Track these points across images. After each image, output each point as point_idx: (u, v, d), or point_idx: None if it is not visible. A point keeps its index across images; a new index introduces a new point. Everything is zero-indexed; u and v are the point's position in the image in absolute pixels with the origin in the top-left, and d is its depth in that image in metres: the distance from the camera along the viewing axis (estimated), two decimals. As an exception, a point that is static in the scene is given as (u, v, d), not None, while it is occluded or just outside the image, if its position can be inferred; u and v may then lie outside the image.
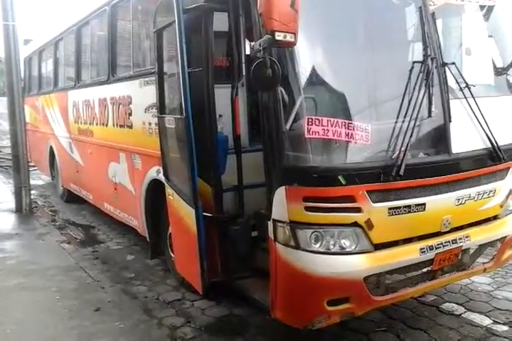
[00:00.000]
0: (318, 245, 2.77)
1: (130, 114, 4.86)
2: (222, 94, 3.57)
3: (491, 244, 3.45)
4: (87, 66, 6.29)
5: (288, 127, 2.76)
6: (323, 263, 2.76)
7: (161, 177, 4.23)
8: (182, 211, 3.65)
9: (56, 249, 5.60)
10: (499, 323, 3.49)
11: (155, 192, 4.60)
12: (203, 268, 3.41)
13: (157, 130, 4.22)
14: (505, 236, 3.46)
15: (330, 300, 2.80)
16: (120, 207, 5.69)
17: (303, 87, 2.83)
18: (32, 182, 7.93)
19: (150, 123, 4.40)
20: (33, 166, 10.10)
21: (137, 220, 5.19)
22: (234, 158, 3.65)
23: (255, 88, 2.83)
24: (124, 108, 4.98)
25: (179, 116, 3.37)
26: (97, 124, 5.93)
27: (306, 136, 2.71)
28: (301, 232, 2.76)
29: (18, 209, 7.35)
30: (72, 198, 8.16)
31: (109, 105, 5.43)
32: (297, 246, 2.77)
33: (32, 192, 7.83)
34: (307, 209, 2.75)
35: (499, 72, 3.84)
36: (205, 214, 3.47)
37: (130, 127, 4.89)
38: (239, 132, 3.57)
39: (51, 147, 8.58)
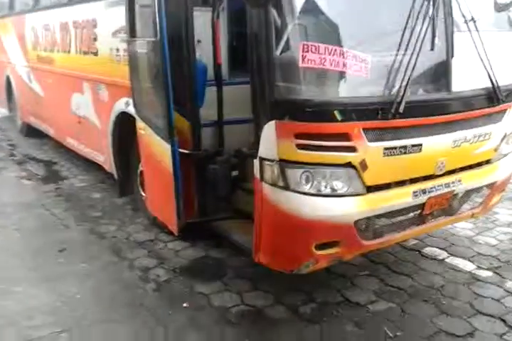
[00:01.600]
0: (308, 186, 2.55)
1: (95, 40, 4.38)
2: (200, 19, 3.18)
3: (480, 189, 3.32)
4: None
5: (279, 53, 2.43)
6: (313, 205, 2.56)
7: (131, 109, 3.87)
8: (155, 147, 3.34)
9: (15, 184, 5.25)
10: (483, 268, 3.43)
11: (123, 126, 4.25)
12: (178, 208, 3.17)
13: (126, 57, 3.81)
14: (495, 182, 3.33)
15: (318, 244, 2.62)
16: (84, 142, 5.31)
17: (299, 9, 2.47)
18: (-13, 115, 7.38)
19: (118, 50, 3.96)
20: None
21: (103, 156, 4.86)
22: (213, 90, 3.32)
23: (245, 2, 2.45)
24: (88, 32, 4.49)
25: (153, 39, 2.97)
26: (58, 51, 5.39)
27: (301, 65, 2.41)
28: (290, 172, 2.52)
29: (-27, 143, 6.84)
30: (32, 132, 7.65)
31: (71, 30, 4.89)
32: (286, 187, 2.54)
33: (-13, 125, 7.30)
34: (299, 146, 2.50)
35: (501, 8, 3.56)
36: (182, 150, 3.18)
37: (95, 54, 4.42)
38: (220, 61, 3.21)
39: (8, 77, 7.92)
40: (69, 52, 5.04)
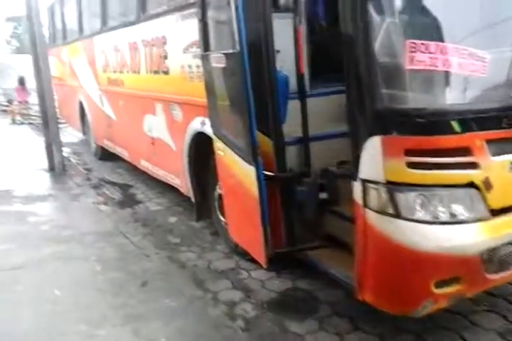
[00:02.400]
0: (423, 212, 2.13)
1: (165, 57, 4.18)
2: (279, 26, 2.86)
3: None
4: (114, 5, 5.55)
5: (381, 55, 2.06)
6: (430, 235, 2.13)
7: (207, 129, 3.62)
8: (236, 169, 3.04)
9: (93, 211, 5.15)
10: None
11: (199, 147, 4.01)
12: (266, 238, 2.83)
13: (200, 73, 3.57)
14: None
15: (438, 280, 2.18)
16: (159, 164, 5.13)
17: (402, 2, 2.08)
18: (64, 139, 7.48)
19: (190, 66, 3.73)
20: (64, 122, 9.64)
21: (179, 179, 4.64)
22: (295, 104, 2.98)
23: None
24: (158, 50, 4.30)
25: (231, 51, 2.68)
26: (127, 72, 5.29)
27: (409, 67, 2.02)
28: (402, 196, 2.12)
29: (51, 168, 6.92)
30: (106, 155, 7.69)
31: (140, 49, 4.75)
32: (396, 214, 2.14)
33: (65, 149, 7.39)
34: (410, 165, 2.09)
35: None
36: (265, 172, 2.84)
37: (166, 73, 4.22)
38: (303, 70, 2.87)
39: (80, 101, 8.03)
40: (139, 72, 4.91)
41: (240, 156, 2.90)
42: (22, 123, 12.52)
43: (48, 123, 6.77)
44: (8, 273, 3.56)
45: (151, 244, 4.19)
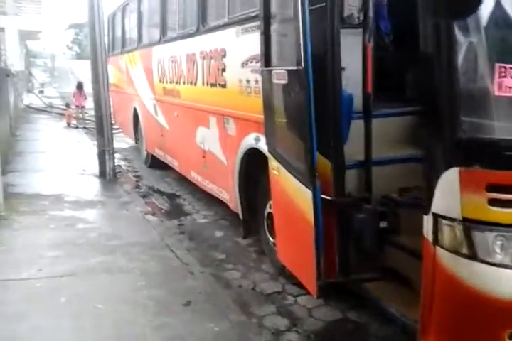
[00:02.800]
0: (503, 255, 1.91)
1: (223, 70, 4.10)
2: (344, 41, 2.70)
3: None
4: (174, 17, 5.57)
5: (465, 78, 1.87)
6: (509, 281, 1.90)
7: (262, 146, 3.50)
8: (291, 190, 2.89)
9: (140, 220, 5.11)
10: None
11: (252, 163, 3.90)
12: (319, 266, 2.66)
13: (258, 88, 3.46)
14: None
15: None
16: (209, 178, 5.05)
17: (493, 21, 1.89)
18: (116, 145, 7.56)
19: (248, 81, 3.63)
20: (117, 129, 9.79)
21: (228, 193, 4.53)
22: (357, 124, 2.81)
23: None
24: (216, 63, 4.23)
25: (294, 68, 2.54)
26: (184, 83, 5.26)
27: (497, 94, 1.81)
28: (479, 235, 1.91)
29: (102, 174, 6.98)
30: (156, 164, 7.74)
31: (198, 61, 4.70)
32: (472, 255, 1.93)
33: (116, 155, 7.45)
34: (491, 202, 1.88)
35: None
36: (323, 196, 2.67)
37: (223, 86, 4.14)
38: (369, 89, 2.69)
39: (135, 109, 8.13)
40: (195, 84, 4.86)
41: (296, 178, 2.75)
42: (76, 127, 12.84)
43: (102, 130, 6.84)
44: (53, 282, 3.53)
45: (196, 260, 4.08)
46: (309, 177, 2.56)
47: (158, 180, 7.31)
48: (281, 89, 2.80)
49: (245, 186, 4.09)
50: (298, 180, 2.72)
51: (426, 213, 2.07)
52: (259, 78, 3.40)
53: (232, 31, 3.82)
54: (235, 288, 3.67)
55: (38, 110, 16.88)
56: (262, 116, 3.37)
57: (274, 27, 2.92)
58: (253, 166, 3.89)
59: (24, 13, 16.23)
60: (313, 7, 2.51)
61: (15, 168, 7.41)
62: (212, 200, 5.68)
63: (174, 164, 6.44)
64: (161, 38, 5.96)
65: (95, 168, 7.22)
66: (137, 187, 6.83)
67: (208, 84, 4.50)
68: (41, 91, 22.91)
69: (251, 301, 3.45)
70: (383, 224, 2.82)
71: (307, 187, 2.60)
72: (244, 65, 3.64)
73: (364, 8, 2.63)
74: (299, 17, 2.41)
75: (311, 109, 2.47)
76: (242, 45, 3.68)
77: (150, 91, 6.87)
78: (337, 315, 3.21)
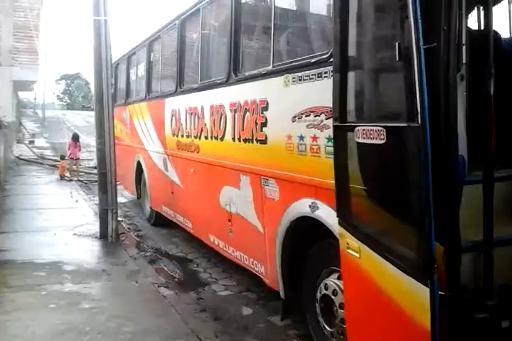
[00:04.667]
0: None
1: (264, 125, 3.55)
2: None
3: None
4: (194, 66, 5.08)
5: None
6: None
7: (322, 215, 2.91)
8: (384, 280, 2.24)
9: (154, 295, 4.38)
10: None
11: (300, 235, 3.27)
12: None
13: (316, 147, 2.89)
14: None
15: None
16: (235, 245, 4.38)
17: None
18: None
19: (302, 137, 3.06)
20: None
21: (264, 267, 3.86)
22: (471, 191, 2.21)
23: None
24: (253, 116, 3.69)
25: (403, 125, 1.97)
26: (206, 138, 4.70)
27: None
28: None
29: (103, 236, 6.27)
30: (161, 221, 7.11)
31: (227, 113, 4.16)
32: None
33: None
34: None
35: None
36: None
37: (263, 142, 3.57)
38: (493, 147, 2.13)
39: (139, 162, 7.55)
40: (222, 139, 4.30)
41: (397, 267, 2.11)
42: (70, 180, 12.16)
43: (105, 187, 6.20)
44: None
45: (230, 352, 3.36)
46: (425, 269, 1.92)
47: (164, 241, 6.62)
48: (372, 151, 2.22)
49: (289, 260, 3.42)
50: (401, 269, 2.07)
51: None
52: (321, 134, 2.86)
53: (276, 81, 3.30)
54: None
55: (29, 161, 16.20)
56: (324, 180, 2.81)
57: (354, 74, 2.38)
58: (302, 238, 3.26)
59: (19, 64, 15.89)
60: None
61: (4, 229, 6.68)
62: (231, 266, 5.01)
63: (187, 225, 5.77)
64: (177, 89, 5.46)
65: (94, 228, 6.53)
66: (143, 250, 6.10)
67: (240, 139, 3.93)
68: (31, 142, 22.29)
69: None
70: (505, 324, 2.17)
71: (419, 281, 1.96)
72: (296, 118, 3.09)
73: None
74: (412, 60, 1.86)
75: (429, 179, 1.87)
76: (293, 96, 3.15)
77: (159, 145, 6.30)
78: None
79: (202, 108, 4.74)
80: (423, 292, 1.93)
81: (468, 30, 2.44)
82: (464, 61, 2.17)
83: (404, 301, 2.08)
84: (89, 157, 15.74)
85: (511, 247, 2.30)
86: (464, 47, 2.13)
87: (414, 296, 2.00)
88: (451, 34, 1.99)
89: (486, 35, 2.21)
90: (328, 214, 2.85)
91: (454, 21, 1.99)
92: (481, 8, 2.44)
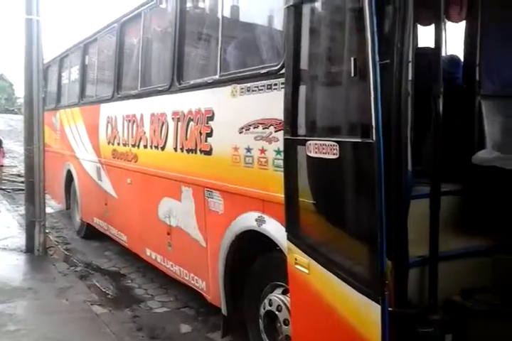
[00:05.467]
0: None
1: (209, 135, 3.44)
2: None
3: None
4: (134, 71, 4.89)
5: None
6: None
7: (269, 229, 2.84)
8: (333, 297, 2.19)
9: (86, 315, 4.10)
10: None
11: (245, 249, 3.18)
12: None
13: (265, 159, 2.83)
14: None
15: None
16: (175, 260, 4.21)
17: None
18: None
19: (249, 150, 2.99)
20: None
21: (205, 282, 3.72)
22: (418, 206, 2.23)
23: None
24: (197, 126, 3.57)
25: (356, 140, 1.95)
26: (145, 147, 4.51)
27: None
28: None
29: (30, 249, 5.85)
30: (92, 234, 6.76)
31: (169, 122, 4.01)
32: None
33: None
34: None
35: None
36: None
37: (207, 153, 3.46)
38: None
39: (69, 171, 7.17)
40: (163, 148, 4.14)
41: (347, 283, 2.07)
42: (-8, 188, 11.38)
43: (33, 198, 5.80)
44: None
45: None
46: (376, 286, 1.89)
47: (96, 254, 6.28)
48: (324, 165, 2.17)
49: (232, 275, 3.32)
50: (351, 286, 2.03)
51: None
52: (269, 147, 2.80)
53: (224, 90, 3.21)
54: None
55: None
56: (272, 193, 2.75)
57: (306, 86, 2.34)
58: (247, 252, 3.18)
59: None
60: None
61: None
62: (168, 281, 4.83)
63: (121, 238, 5.51)
64: (114, 95, 5.23)
65: (19, 241, 6.10)
66: (73, 265, 5.75)
67: (182, 149, 3.80)
68: None
69: None
70: (449, 338, 2.20)
71: (370, 298, 1.93)
72: (243, 130, 3.01)
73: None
74: (367, 75, 1.84)
75: (382, 195, 1.85)
76: (241, 106, 3.07)
77: (93, 153, 6.01)
78: None
79: (141, 115, 4.56)
80: (373, 308, 1.89)
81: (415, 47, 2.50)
82: (410, 78, 2.18)
83: (353, 318, 2.04)
84: (11, 163, 14.86)
85: (456, 262, 2.33)
86: (409, 64, 2.14)
87: (363, 313, 1.97)
88: (404, 51, 2.00)
89: (436, 52, 2.26)
90: (275, 228, 2.79)
91: (407, 39, 2.01)
92: (433, 26, 2.47)
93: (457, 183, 2.57)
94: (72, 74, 7.13)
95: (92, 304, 4.33)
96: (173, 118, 3.93)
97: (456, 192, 2.50)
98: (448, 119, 2.96)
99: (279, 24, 2.90)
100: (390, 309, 1.99)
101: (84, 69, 6.47)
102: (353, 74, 1.92)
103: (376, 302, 1.89)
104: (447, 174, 2.63)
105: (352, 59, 1.92)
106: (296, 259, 2.43)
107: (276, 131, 2.73)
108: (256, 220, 2.96)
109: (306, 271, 2.35)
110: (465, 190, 2.51)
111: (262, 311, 3.11)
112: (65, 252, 6.31)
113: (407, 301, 2.13)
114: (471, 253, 2.37)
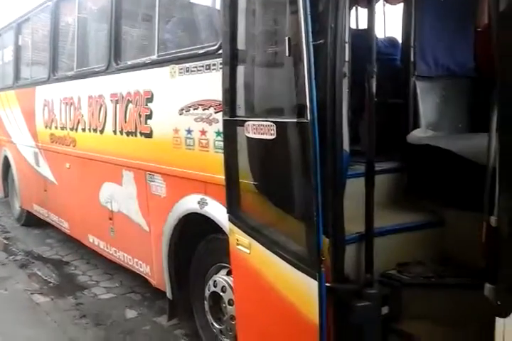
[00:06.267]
0: None
1: (148, 117, 3.37)
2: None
3: None
4: (70, 52, 4.69)
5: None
6: None
7: (211, 211, 2.82)
8: (272, 275, 2.22)
9: (26, 304, 4.00)
10: None
11: (188, 232, 3.17)
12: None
13: (206, 141, 2.80)
14: None
15: None
16: (118, 245, 4.14)
17: None
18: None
19: (190, 131, 2.95)
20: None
21: (149, 267, 3.69)
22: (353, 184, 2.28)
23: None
24: (137, 108, 3.49)
25: (292, 120, 1.95)
26: (83, 130, 4.37)
27: None
28: None
29: (-36, 239, 5.60)
30: (32, 221, 6.53)
31: (107, 104, 3.90)
32: None
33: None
34: None
35: None
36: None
37: (148, 135, 3.39)
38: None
39: (6, 157, 6.86)
40: (101, 132, 4.02)
41: (286, 261, 2.10)
42: None
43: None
44: None
45: (115, 359, 3.16)
46: (313, 262, 1.93)
47: (37, 242, 6.06)
48: (262, 146, 2.17)
49: (176, 259, 3.30)
50: (290, 264, 2.06)
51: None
52: (209, 128, 2.77)
53: (163, 71, 3.14)
54: None
55: None
56: (213, 175, 2.74)
57: (243, 67, 2.32)
58: (190, 235, 3.16)
59: None
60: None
61: None
62: (113, 267, 4.74)
63: (62, 225, 5.35)
64: (50, 77, 5.01)
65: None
66: (12, 253, 5.55)
67: (122, 132, 3.70)
68: None
69: None
70: (385, 310, 2.28)
71: (308, 274, 1.96)
72: (183, 111, 2.96)
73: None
74: (301, 55, 1.84)
75: (318, 174, 1.87)
76: (180, 87, 3.02)
77: (29, 138, 5.77)
78: None
79: (79, 98, 4.40)
80: (311, 285, 1.93)
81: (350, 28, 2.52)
82: (347, 59, 2.21)
83: (293, 295, 2.07)
84: None
85: (391, 237, 2.41)
86: (346, 45, 2.16)
87: (302, 290, 2.00)
88: (338, 32, 2.01)
89: (369, 33, 2.29)
90: (217, 210, 2.78)
91: (340, 19, 2.02)
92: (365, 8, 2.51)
93: (393, 162, 2.65)
94: (4, 55, 6.77)
95: (32, 293, 4.22)
96: (111, 101, 3.82)
97: (390, 170, 2.58)
98: (386, 100, 3.05)
99: (216, 3, 2.85)
100: (327, 285, 2.03)
101: (18, 50, 6.16)
102: (287, 54, 1.92)
103: (313, 278, 1.93)
104: (385, 153, 2.71)
105: (286, 38, 1.91)
106: (237, 240, 2.43)
107: (216, 113, 2.71)
108: (198, 203, 2.94)
109: (248, 251, 2.36)
110: (400, 168, 2.58)
111: (207, 293, 3.12)
112: (4, 241, 6.08)
113: (345, 277, 2.18)
114: (405, 229, 2.45)
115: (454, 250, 2.47)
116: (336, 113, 2.02)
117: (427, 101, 2.98)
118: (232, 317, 2.86)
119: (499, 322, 1.54)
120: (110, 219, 4.12)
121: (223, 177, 2.49)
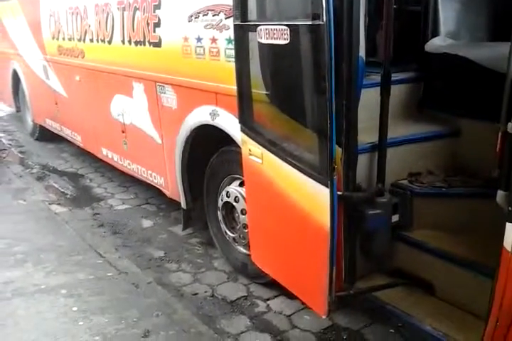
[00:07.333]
0: None
1: (157, 25, 3.23)
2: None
3: None
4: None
5: None
6: None
7: (223, 123, 2.80)
8: (285, 183, 2.24)
9: (45, 213, 4.14)
10: None
11: (200, 143, 3.17)
12: (331, 280, 2.08)
13: (216, 49, 2.70)
14: None
15: None
16: (131, 158, 4.19)
17: None
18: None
19: (200, 39, 2.83)
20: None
21: (163, 178, 3.75)
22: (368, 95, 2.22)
23: None
24: (144, 16, 3.33)
25: (307, 23, 1.85)
26: (91, 41, 4.23)
27: None
28: None
29: (-19, 153, 5.70)
30: (45, 136, 6.58)
31: (114, 12, 3.73)
32: None
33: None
34: None
35: None
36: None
37: (156, 45, 3.28)
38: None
39: (15, 71, 6.74)
40: (109, 42, 3.89)
41: (296, 168, 2.10)
42: None
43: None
44: None
45: (134, 264, 3.33)
46: (325, 170, 1.93)
47: (52, 157, 6.16)
48: (275, 52, 2.09)
49: (190, 170, 3.35)
50: (302, 172, 2.07)
51: (509, 220, 1.57)
52: (220, 35, 2.66)
53: (170, -27, 2.95)
54: (189, 297, 2.99)
55: None
56: (225, 86, 2.68)
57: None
58: (202, 147, 3.17)
59: None
60: None
61: None
62: (127, 180, 4.86)
63: (75, 139, 5.39)
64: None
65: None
66: (29, 167, 5.67)
67: (131, 42, 3.58)
68: None
69: (216, 314, 2.82)
70: (395, 218, 2.34)
71: (320, 183, 1.97)
72: (193, 18, 2.83)
73: None
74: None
75: (332, 81, 1.81)
76: (189, -9, 2.85)
77: (38, 50, 5.61)
78: (324, 323, 2.71)
79: (84, 6, 4.21)
80: (323, 192, 1.95)
81: None
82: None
83: (305, 202, 2.10)
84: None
85: (404, 147, 2.40)
86: None
87: (314, 197, 2.02)
88: None
89: None
90: (229, 122, 2.76)
91: None
92: None
93: (409, 72, 2.55)
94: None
95: (50, 204, 4.35)
96: (118, 8, 3.65)
97: (407, 80, 2.49)
98: (405, 7, 2.88)
99: None
100: (339, 193, 2.06)
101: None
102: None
103: (325, 186, 1.94)
104: (401, 64, 2.61)
105: None
106: (250, 150, 2.43)
107: (226, 18, 2.58)
108: (210, 114, 2.91)
109: (260, 160, 2.36)
110: (416, 78, 2.49)
111: (220, 203, 3.19)
112: (20, 155, 6.18)
113: (356, 186, 2.21)
114: (418, 139, 2.42)
115: (467, 161, 2.46)
116: (354, 16, 1.91)
117: (448, 9, 2.81)
118: (245, 226, 2.94)
119: (510, 227, 1.56)
120: (123, 131, 4.12)
121: (234, 87, 2.43)
